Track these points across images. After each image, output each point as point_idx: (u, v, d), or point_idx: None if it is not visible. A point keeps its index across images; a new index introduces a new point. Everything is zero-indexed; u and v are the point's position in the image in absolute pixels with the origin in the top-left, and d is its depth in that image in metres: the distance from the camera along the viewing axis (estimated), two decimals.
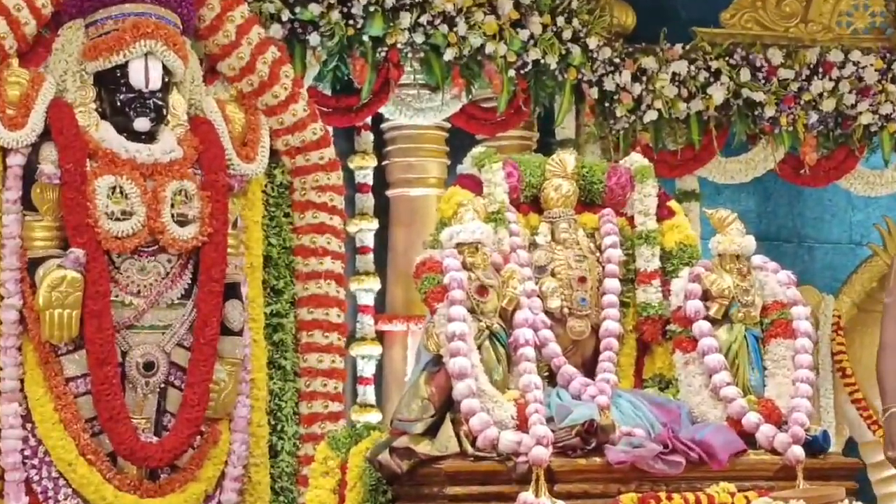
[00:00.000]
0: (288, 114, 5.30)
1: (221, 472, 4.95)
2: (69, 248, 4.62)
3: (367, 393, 6.40)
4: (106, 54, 4.78)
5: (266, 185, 5.28)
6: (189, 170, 4.84)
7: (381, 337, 6.48)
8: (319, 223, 5.33)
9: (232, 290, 4.92)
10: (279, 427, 5.23)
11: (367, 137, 6.60)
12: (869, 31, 7.53)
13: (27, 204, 4.73)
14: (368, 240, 6.57)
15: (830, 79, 7.09)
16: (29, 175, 4.72)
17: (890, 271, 5.42)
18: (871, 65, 7.23)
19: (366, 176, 6.61)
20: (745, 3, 7.22)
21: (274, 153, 5.29)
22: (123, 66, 4.79)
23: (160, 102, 4.84)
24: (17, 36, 4.82)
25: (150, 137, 4.82)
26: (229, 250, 4.89)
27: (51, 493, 4.66)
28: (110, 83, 4.82)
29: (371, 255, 6.58)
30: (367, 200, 6.61)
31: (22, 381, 4.71)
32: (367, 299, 6.49)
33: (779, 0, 7.30)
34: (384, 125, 6.62)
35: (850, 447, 7.25)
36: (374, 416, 6.07)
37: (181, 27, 4.95)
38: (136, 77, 4.78)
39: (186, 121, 4.96)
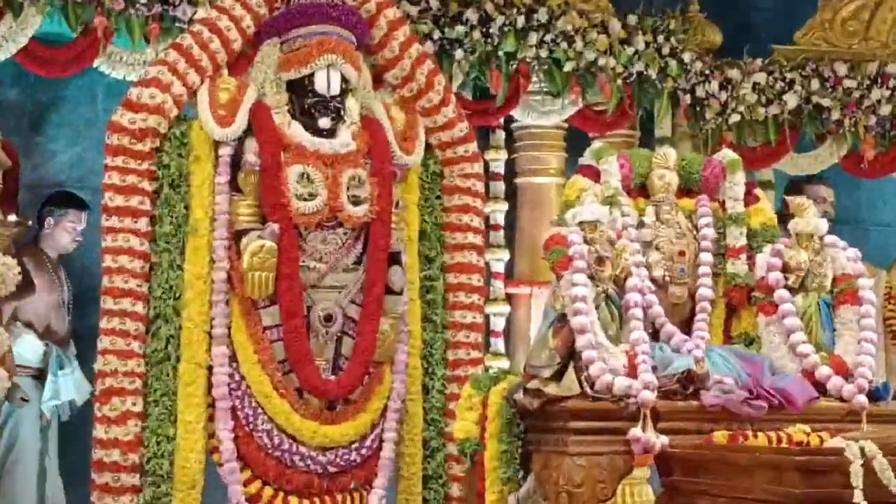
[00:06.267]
0: (440, 115, 5.34)
1: (385, 405, 5.01)
2: (267, 223, 4.70)
3: (498, 344, 6.50)
4: (297, 66, 4.84)
5: (421, 173, 5.30)
6: (361, 160, 4.89)
7: (509, 298, 6.55)
8: (464, 204, 5.40)
9: (394, 258, 4.96)
10: (430, 370, 5.28)
11: (500, 135, 6.73)
12: None
13: (234, 186, 4.80)
14: (500, 219, 6.68)
15: (887, 88, 7.16)
16: (235, 163, 4.80)
17: None
18: None
19: (498, 166, 6.72)
20: (816, 24, 7.23)
21: (428, 147, 5.30)
22: (310, 76, 4.83)
23: (339, 105, 4.89)
24: (228, 52, 4.92)
25: (330, 133, 4.86)
26: (392, 226, 4.94)
27: (251, 420, 4.76)
28: (299, 90, 4.87)
29: (502, 232, 6.67)
30: (499, 187, 6.70)
31: (229, 328, 4.78)
32: (499, 267, 6.57)
33: (844, 21, 7.25)
34: (514, 125, 6.71)
35: None
36: (503, 363, 6.18)
37: (356, 44, 5.00)
38: (320, 84, 4.82)
39: (359, 120, 5.01)
